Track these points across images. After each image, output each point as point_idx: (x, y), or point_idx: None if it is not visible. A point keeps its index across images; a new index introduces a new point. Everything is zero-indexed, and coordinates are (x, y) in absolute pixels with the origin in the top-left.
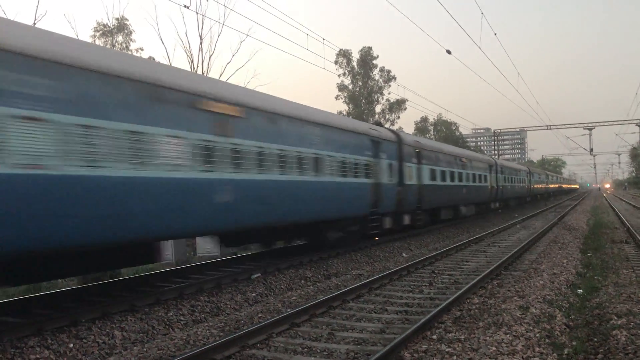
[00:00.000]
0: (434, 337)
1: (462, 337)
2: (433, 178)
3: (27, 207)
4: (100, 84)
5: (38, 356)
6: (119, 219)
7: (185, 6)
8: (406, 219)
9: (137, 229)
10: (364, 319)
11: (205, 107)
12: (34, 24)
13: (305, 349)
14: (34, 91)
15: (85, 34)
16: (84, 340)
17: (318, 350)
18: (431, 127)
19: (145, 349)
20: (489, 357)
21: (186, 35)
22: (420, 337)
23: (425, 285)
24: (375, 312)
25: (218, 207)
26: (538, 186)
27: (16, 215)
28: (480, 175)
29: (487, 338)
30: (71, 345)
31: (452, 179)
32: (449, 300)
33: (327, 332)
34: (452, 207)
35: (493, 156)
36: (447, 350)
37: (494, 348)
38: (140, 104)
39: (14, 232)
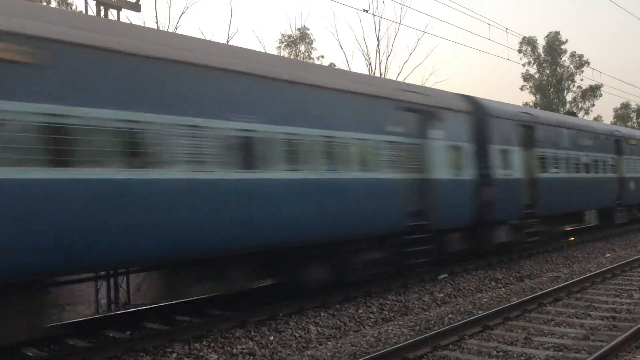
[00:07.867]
0: None
1: None
2: None
3: None
4: None
5: (244, 346)
6: None
7: (364, 10)
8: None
9: None
10: (564, 324)
11: None
12: (227, 41)
13: (501, 353)
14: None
15: (271, 46)
16: (283, 333)
17: (514, 355)
18: (634, 114)
19: (339, 345)
20: None
21: (364, 38)
22: (633, 346)
23: (634, 289)
24: (576, 317)
25: None
26: None
27: None
28: None
29: None
30: (272, 337)
31: None
32: None
33: (524, 336)
34: None
35: None
36: None
37: None
38: None
39: None
